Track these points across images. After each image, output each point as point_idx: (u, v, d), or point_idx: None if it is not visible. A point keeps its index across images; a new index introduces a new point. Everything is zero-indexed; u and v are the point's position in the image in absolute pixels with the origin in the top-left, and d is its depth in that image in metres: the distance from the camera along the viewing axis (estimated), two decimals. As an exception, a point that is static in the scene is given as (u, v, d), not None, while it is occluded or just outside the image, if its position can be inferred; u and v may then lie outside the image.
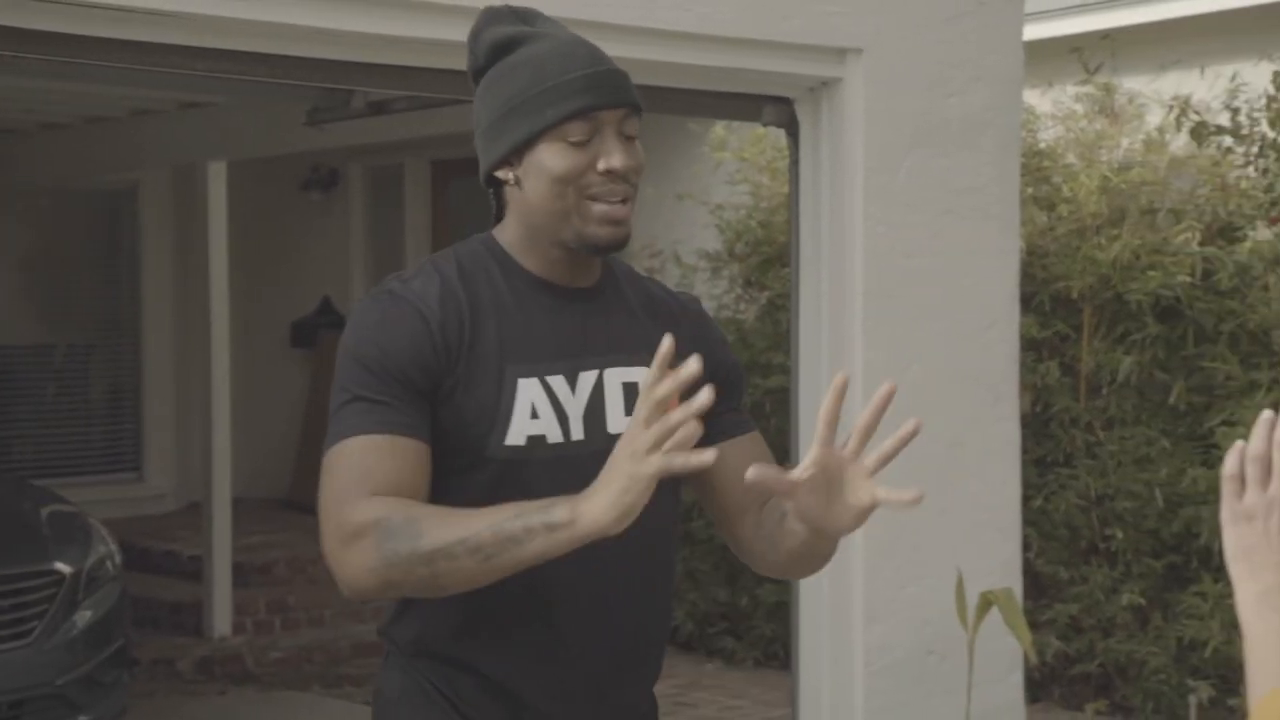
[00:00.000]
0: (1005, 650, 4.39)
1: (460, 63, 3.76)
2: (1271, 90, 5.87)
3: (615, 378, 1.98)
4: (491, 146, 1.97)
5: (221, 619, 7.17)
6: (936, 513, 4.38)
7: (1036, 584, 6.09)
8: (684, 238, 7.64)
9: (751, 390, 7.03)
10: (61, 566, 5.10)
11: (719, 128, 7.23)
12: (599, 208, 1.92)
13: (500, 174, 1.97)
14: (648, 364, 1.91)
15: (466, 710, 1.95)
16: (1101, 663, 6.14)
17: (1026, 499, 5.30)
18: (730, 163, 7.25)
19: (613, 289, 2.04)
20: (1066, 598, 6.20)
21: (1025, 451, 5.06)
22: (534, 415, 1.92)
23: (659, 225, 7.90)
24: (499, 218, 2.03)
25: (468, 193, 9.01)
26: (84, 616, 5.10)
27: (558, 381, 1.94)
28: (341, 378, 1.92)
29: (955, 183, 4.44)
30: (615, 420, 1.95)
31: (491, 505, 1.84)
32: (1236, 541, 1.47)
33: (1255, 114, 5.97)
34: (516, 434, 1.91)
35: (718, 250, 7.37)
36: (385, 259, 9.23)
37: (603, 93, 1.93)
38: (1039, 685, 6.11)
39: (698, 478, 2.00)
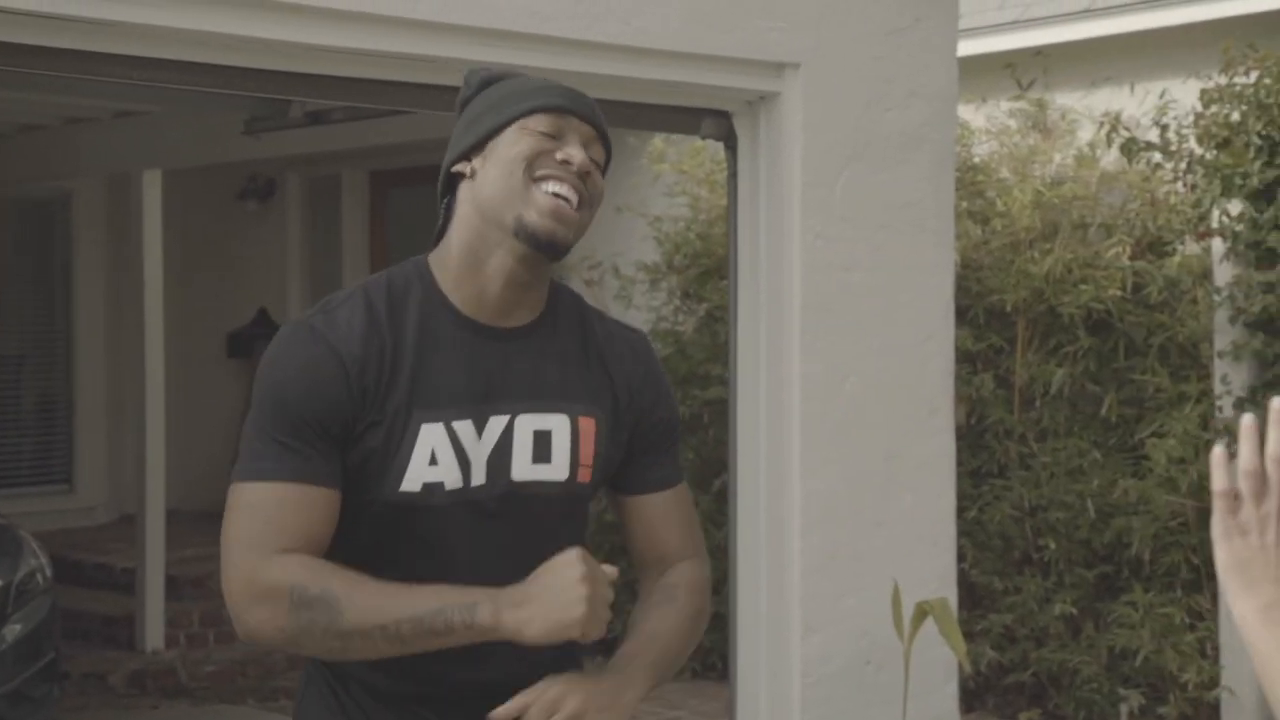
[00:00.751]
0: (941, 660, 4.43)
1: (399, 74, 3.77)
2: (1199, 107, 5.96)
3: (526, 424, 1.97)
4: (458, 143, 2.01)
5: (154, 632, 7.10)
6: (873, 524, 4.42)
7: (971, 594, 6.15)
8: (623, 250, 7.66)
9: (690, 402, 7.05)
10: (-9, 580, 5.03)
11: (658, 140, 7.25)
12: (547, 191, 1.92)
13: (459, 167, 1.99)
14: (568, 412, 1.98)
15: (352, 711, 2.00)
16: (1035, 672, 6.20)
17: (961, 510, 5.35)
18: (669, 175, 7.27)
19: (548, 330, 2.02)
20: (1000, 608, 6.25)
21: (960, 463, 5.11)
22: (433, 461, 1.92)
23: (598, 237, 7.91)
24: (440, 236, 2.02)
25: (406, 203, 8.99)
26: (13, 630, 5.03)
27: (464, 426, 1.93)
28: (258, 412, 1.92)
29: (891, 197, 4.48)
30: (520, 467, 1.96)
31: (389, 543, 1.92)
32: (1230, 556, 1.46)
33: (1184, 131, 6.06)
34: (413, 480, 1.92)
35: (656, 262, 7.39)
36: (322, 269, 9.18)
37: (577, 104, 1.98)
38: (974, 695, 6.16)
39: (625, 526, 2.10)
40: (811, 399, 4.31)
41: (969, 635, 5.82)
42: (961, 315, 5.78)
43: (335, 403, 1.88)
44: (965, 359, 6.14)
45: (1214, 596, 5.94)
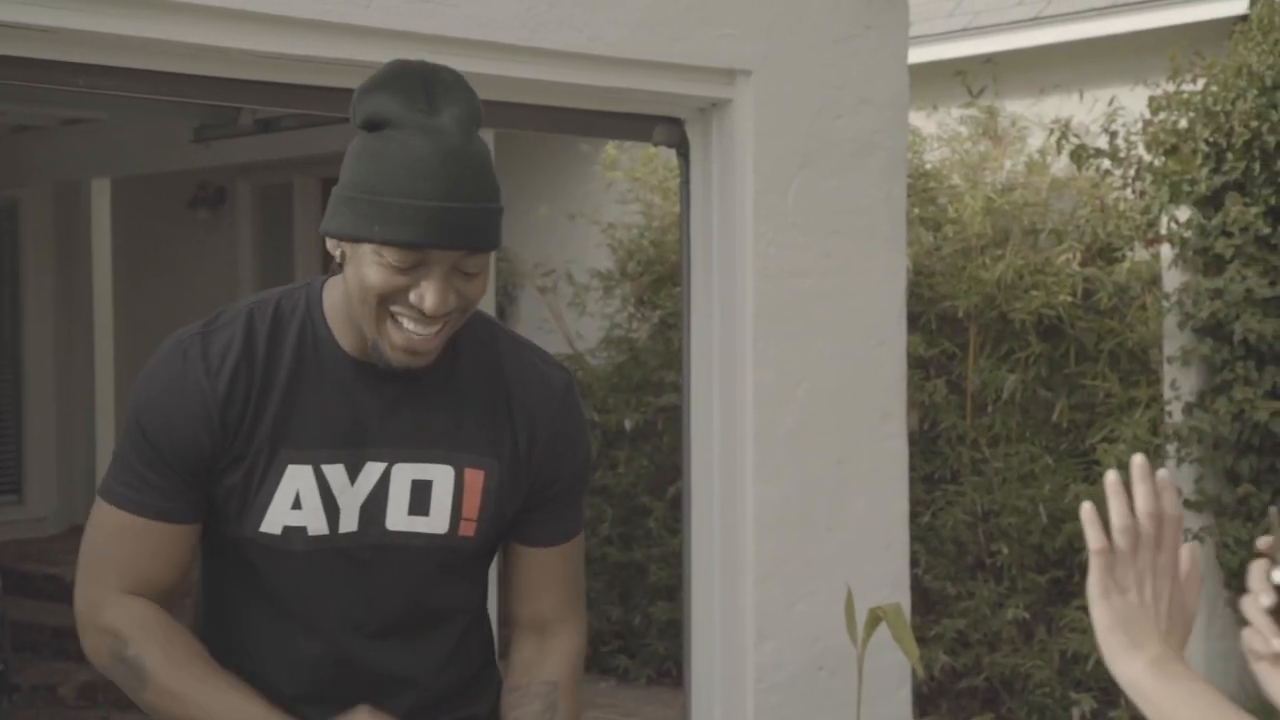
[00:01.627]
0: (894, 665, 4.44)
1: (349, 81, 3.74)
2: (1148, 115, 6.01)
3: (405, 473, 1.85)
4: (328, 218, 1.81)
5: (105, 644, 7.03)
6: (825, 529, 4.43)
7: (924, 599, 6.17)
8: (576, 257, 7.65)
9: (643, 409, 7.05)
10: (-62, 592, 4.97)
11: (611, 147, 7.25)
12: (399, 335, 1.77)
13: (330, 246, 1.83)
14: (454, 463, 1.87)
15: None
16: (988, 676, 6.23)
17: (914, 515, 5.37)
18: (622, 182, 7.27)
19: (442, 371, 1.87)
20: (953, 613, 6.28)
21: (913, 468, 5.13)
22: (296, 505, 1.84)
23: (552, 245, 7.90)
24: (326, 266, 1.93)
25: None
26: (-39, 643, 4.97)
27: (335, 471, 1.83)
28: (126, 428, 1.89)
29: (843, 203, 4.50)
30: (396, 517, 1.86)
31: (253, 582, 1.88)
32: (1111, 615, 1.43)
33: (1132, 138, 6.11)
34: (272, 522, 1.84)
35: (610, 269, 7.39)
36: (273, 277, 9.12)
37: (439, 233, 1.73)
38: (927, 699, 6.18)
39: (508, 575, 2.01)
40: (764, 405, 4.31)
41: (922, 640, 5.84)
42: (913, 321, 5.80)
43: (192, 439, 1.82)
44: (917, 365, 6.17)
45: (1164, 599, 5.98)
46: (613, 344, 7.39)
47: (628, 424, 7.07)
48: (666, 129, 4.37)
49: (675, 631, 6.24)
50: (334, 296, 1.86)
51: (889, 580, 4.54)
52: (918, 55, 5.51)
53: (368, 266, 1.76)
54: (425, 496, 1.86)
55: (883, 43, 4.59)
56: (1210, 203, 5.85)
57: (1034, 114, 6.76)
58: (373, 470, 1.85)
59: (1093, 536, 1.43)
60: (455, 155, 1.74)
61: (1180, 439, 5.88)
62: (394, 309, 1.77)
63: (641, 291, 7.29)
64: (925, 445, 6.34)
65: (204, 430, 1.82)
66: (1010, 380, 6.23)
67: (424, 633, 1.95)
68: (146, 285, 9.08)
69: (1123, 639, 1.43)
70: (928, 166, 6.73)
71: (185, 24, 3.34)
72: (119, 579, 1.85)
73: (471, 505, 1.88)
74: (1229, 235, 5.77)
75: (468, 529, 1.89)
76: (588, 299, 7.44)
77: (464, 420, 1.88)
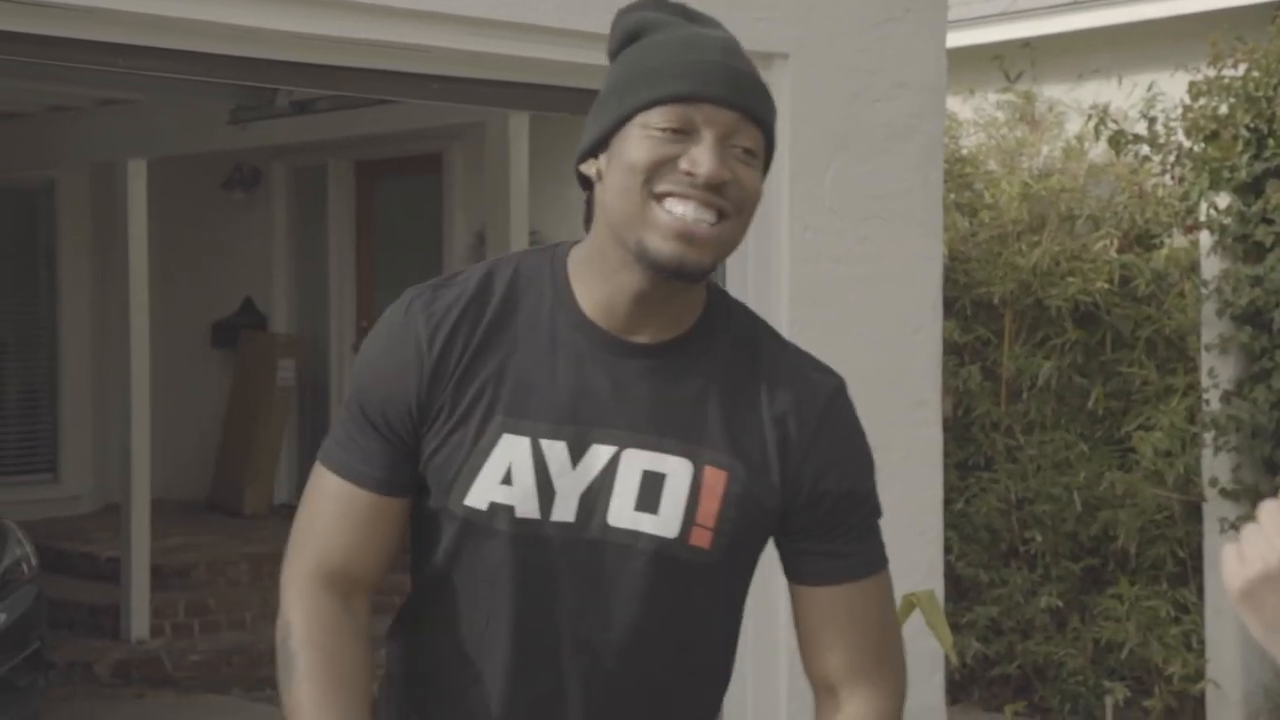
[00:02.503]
0: (927, 652, 4.43)
1: (385, 63, 3.75)
2: (1187, 100, 5.96)
3: (636, 461, 1.61)
4: (586, 132, 1.67)
5: (139, 622, 7.08)
6: (859, 516, 4.41)
7: (957, 586, 6.15)
8: (609, 240, 7.65)
9: (676, 393, 7.04)
10: (-25, 570, 5.02)
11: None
12: (669, 211, 1.56)
13: (585, 168, 1.67)
14: (693, 457, 1.60)
15: None
16: (1020, 664, 6.21)
17: (948, 502, 5.35)
18: (656, 166, 7.26)
19: (694, 352, 1.64)
20: (986, 600, 6.26)
21: (947, 455, 5.11)
22: (507, 480, 1.61)
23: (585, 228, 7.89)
24: (587, 224, 1.71)
25: (392, 193, 8.96)
26: (-2, 620, 5.02)
27: (555, 449, 1.60)
28: (352, 383, 1.74)
29: (879, 188, 4.47)
30: (620, 512, 1.61)
31: (461, 568, 1.66)
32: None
33: (1171, 123, 6.06)
34: (479, 495, 1.62)
35: (643, 253, 7.38)
36: (308, 259, 9.16)
37: (710, 84, 1.58)
38: (959, 687, 6.17)
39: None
40: (799, 390, 4.30)
41: (955, 627, 5.83)
42: (949, 307, 5.78)
43: (401, 391, 1.64)
44: (952, 351, 6.14)
45: (1199, 590, 5.96)
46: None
47: (660, 408, 7.07)
48: (702, 112, 4.35)
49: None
50: (580, 255, 1.68)
51: (923, 566, 4.53)
52: (955, 39, 5.47)
53: (629, 148, 1.59)
54: (656, 491, 1.60)
55: (920, 26, 4.56)
56: (1250, 189, 5.80)
57: (1072, 99, 6.71)
58: (599, 454, 1.61)
59: None
60: (720, 38, 1.67)
61: (1218, 427, 5.84)
62: (662, 189, 1.57)
63: (675, 275, 7.28)
64: (959, 432, 6.32)
65: (414, 379, 1.63)
66: (1046, 367, 6.20)
67: (632, 673, 1.66)
68: (181, 266, 9.11)
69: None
70: (964, 152, 6.70)
71: (224, 5, 3.35)
72: (317, 553, 1.67)
73: (708, 510, 1.61)
74: (1269, 222, 5.72)
75: (701, 538, 1.62)
76: (621, 283, 7.43)
77: (710, 413, 1.63)
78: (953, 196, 6.29)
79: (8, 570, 5.12)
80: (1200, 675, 5.83)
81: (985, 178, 6.60)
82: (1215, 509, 5.88)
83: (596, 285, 1.64)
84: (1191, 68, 6.04)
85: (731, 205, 1.59)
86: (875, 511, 1.73)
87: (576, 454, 1.61)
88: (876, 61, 4.46)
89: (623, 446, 1.61)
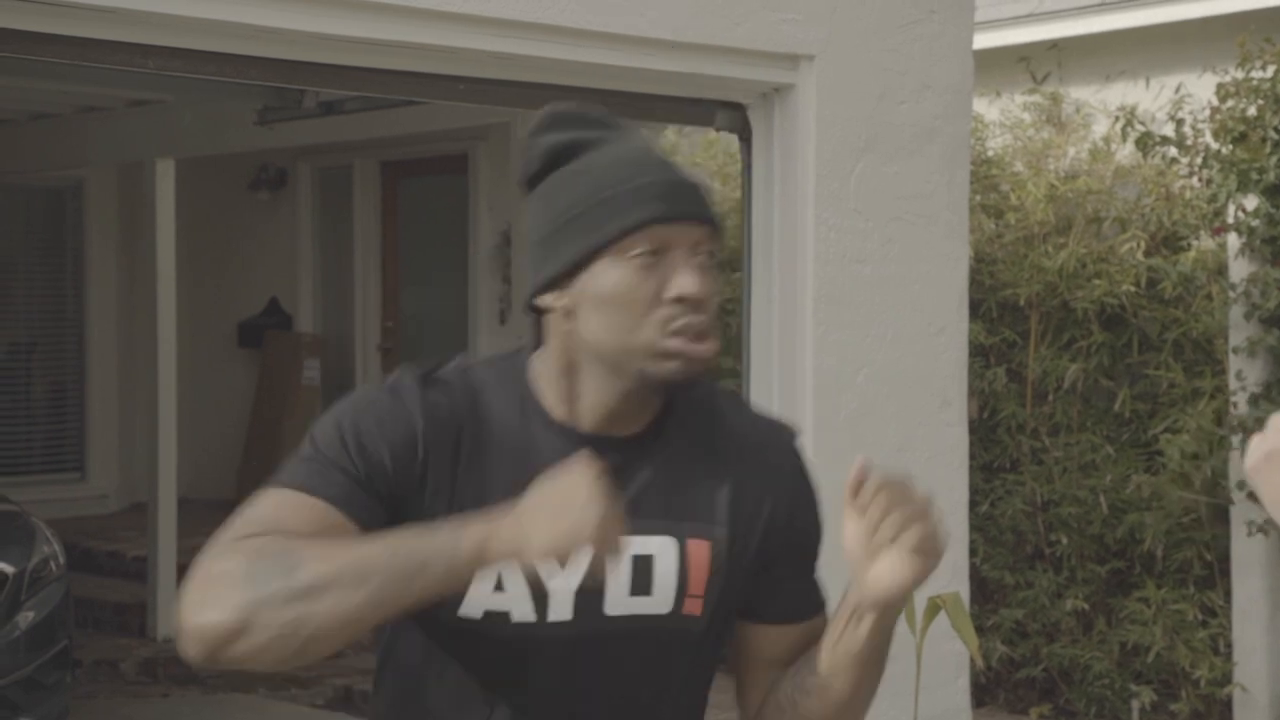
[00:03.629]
0: (952, 654, 4.42)
1: (412, 64, 3.76)
2: (1215, 102, 5.93)
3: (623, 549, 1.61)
4: (540, 267, 1.63)
5: (165, 620, 7.11)
6: (884, 517, 4.40)
7: (982, 589, 6.14)
8: (634, 241, 7.65)
9: (701, 394, 7.03)
10: (4, 567, 5.04)
11: (671, 133, 7.24)
12: (672, 342, 1.59)
13: (544, 302, 1.64)
14: (675, 534, 1.65)
15: None
16: (1046, 667, 6.19)
17: (973, 504, 5.34)
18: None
19: (663, 439, 1.68)
20: (1012, 603, 6.24)
21: (972, 457, 5.10)
22: (498, 587, 1.61)
23: (609, 228, 7.90)
24: (537, 344, 1.70)
25: (417, 194, 8.98)
26: (26, 617, 5.04)
27: None
28: (316, 442, 1.63)
29: (905, 189, 4.47)
30: (616, 601, 1.63)
31: (444, 671, 1.64)
32: None
33: (1199, 125, 6.03)
34: (472, 605, 1.61)
35: (668, 254, 7.38)
36: (333, 260, 9.18)
37: (677, 203, 1.61)
38: (984, 689, 6.15)
39: (742, 654, 1.76)
40: (824, 391, 4.29)
41: (980, 630, 5.81)
42: (974, 309, 5.76)
43: (396, 455, 1.60)
44: (978, 353, 6.13)
45: (1227, 593, 5.93)
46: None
47: (685, 409, 7.07)
48: (729, 114, 4.35)
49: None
50: (542, 369, 1.68)
51: (948, 569, 4.52)
52: (982, 41, 5.46)
53: (609, 280, 1.59)
54: (647, 573, 1.64)
55: (947, 28, 4.56)
56: (1278, 191, 5.77)
57: (1099, 101, 6.69)
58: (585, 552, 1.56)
59: None
60: (652, 148, 1.69)
61: (1245, 430, 5.81)
62: (664, 327, 1.59)
63: (700, 276, 7.28)
64: (984, 434, 6.30)
65: (409, 448, 1.60)
66: (1072, 369, 6.18)
67: None
68: (208, 266, 9.15)
69: None
70: (990, 153, 6.68)
71: (252, 6, 3.36)
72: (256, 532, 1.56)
73: (698, 580, 1.66)
74: (1297, 224, 5.69)
75: (693, 607, 1.67)
76: (646, 284, 7.43)
77: (683, 486, 1.67)
78: (978, 198, 6.27)
79: (35, 568, 5.14)
80: (1227, 679, 5.81)
81: (1011, 179, 6.58)
82: (1242, 512, 5.85)
83: (568, 394, 1.66)
84: (1220, 69, 6.01)
85: (710, 319, 1.63)
86: (818, 552, 1.81)
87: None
88: (903, 63, 4.45)
89: None
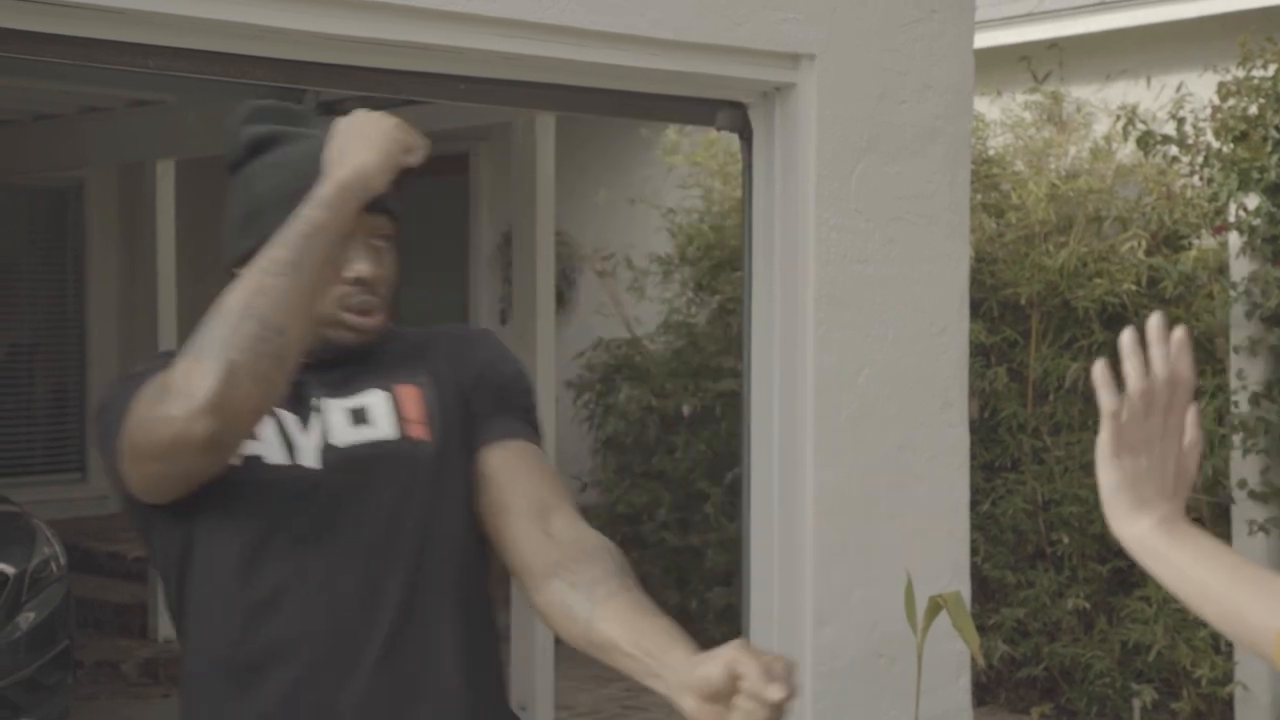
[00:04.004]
0: (953, 654, 4.42)
1: (413, 64, 3.76)
2: (1216, 100, 5.93)
3: (341, 405, 1.89)
4: (236, 242, 1.93)
5: (166, 621, 7.11)
6: (886, 517, 4.40)
7: (983, 588, 6.14)
8: (636, 241, 7.65)
9: (702, 394, 7.03)
10: (5, 567, 5.05)
11: (671, 132, 7.24)
12: (347, 318, 1.89)
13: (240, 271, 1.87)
14: (383, 387, 1.90)
15: None
16: (1047, 666, 6.19)
17: (974, 504, 5.33)
18: (682, 167, 7.26)
19: (358, 365, 1.94)
20: (1013, 602, 6.24)
21: (973, 457, 5.09)
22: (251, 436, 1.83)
23: (611, 229, 7.90)
24: None
25: (417, 194, 8.97)
26: (27, 618, 5.04)
27: (287, 416, 1.86)
28: (99, 405, 1.88)
29: (906, 189, 4.47)
30: (341, 432, 1.87)
31: (245, 529, 1.81)
32: (1120, 476, 1.46)
33: (1200, 124, 6.03)
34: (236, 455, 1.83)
35: (669, 254, 7.38)
36: (335, 260, 9.18)
37: None
38: (986, 689, 6.15)
39: (481, 491, 1.89)
40: (825, 391, 4.29)
41: (981, 629, 5.81)
42: (975, 308, 5.76)
43: None
44: (979, 352, 6.13)
45: (1227, 592, 5.92)
46: (671, 329, 7.38)
47: (685, 409, 7.06)
48: (729, 113, 4.35)
49: (732, 617, 6.24)
50: None
51: (949, 568, 4.52)
52: (983, 40, 5.46)
53: None
54: (363, 414, 1.89)
55: (947, 27, 4.55)
56: None
57: (1100, 100, 6.69)
58: (316, 417, 1.88)
59: (1105, 398, 1.47)
60: None
61: (1246, 429, 5.81)
62: (335, 292, 1.87)
63: (700, 276, 7.28)
64: (985, 433, 6.30)
65: None
66: (1073, 368, 6.18)
67: (396, 578, 1.83)
68: (209, 266, 9.15)
69: (1131, 498, 1.47)
70: (991, 152, 6.68)
71: (253, 6, 3.36)
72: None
73: (413, 409, 1.89)
74: (1298, 223, 5.69)
75: (418, 431, 1.88)
76: (646, 284, 7.44)
77: (382, 370, 1.94)
78: (979, 197, 6.27)
79: (36, 569, 5.14)
80: (1228, 678, 5.81)
81: (1012, 178, 6.58)
82: (1243, 511, 5.85)
83: None
84: (1221, 68, 6.01)
85: (381, 300, 1.92)
86: (534, 408, 2.01)
87: (304, 421, 1.87)
88: (903, 62, 4.45)
89: (327, 404, 1.88)
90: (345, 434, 1.86)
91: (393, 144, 1.84)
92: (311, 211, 1.78)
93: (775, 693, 1.49)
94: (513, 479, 1.89)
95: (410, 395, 1.91)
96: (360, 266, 1.90)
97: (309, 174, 1.85)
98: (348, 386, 1.90)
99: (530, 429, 1.97)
